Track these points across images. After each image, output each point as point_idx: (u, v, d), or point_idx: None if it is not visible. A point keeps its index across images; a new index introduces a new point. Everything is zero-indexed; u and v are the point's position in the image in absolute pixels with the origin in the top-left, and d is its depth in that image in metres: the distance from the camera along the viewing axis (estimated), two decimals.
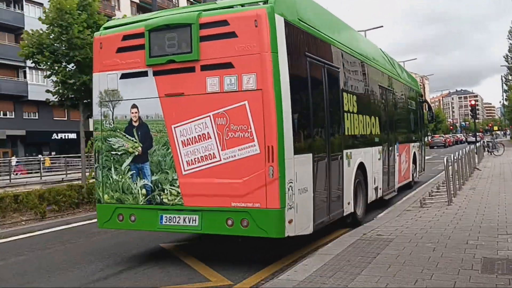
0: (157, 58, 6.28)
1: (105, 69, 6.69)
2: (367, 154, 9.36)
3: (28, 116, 42.90)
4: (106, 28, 7.01)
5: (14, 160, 35.31)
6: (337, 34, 8.32)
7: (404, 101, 13.77)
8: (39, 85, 37.86)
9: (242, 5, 6.09)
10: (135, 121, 6.51)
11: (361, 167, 8.82)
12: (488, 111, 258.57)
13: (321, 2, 8.16)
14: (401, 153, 12.49)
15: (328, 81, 7.38)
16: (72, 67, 12.95)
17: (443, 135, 76.50)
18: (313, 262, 5.68)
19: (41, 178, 27.98)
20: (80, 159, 36.00)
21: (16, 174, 31.78)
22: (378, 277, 4.97)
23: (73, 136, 41.88)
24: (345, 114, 8.13)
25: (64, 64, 12.99)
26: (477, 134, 61.59)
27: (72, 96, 13.24)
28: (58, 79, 13.06)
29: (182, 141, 6.16)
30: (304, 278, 5.03)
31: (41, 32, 12.73)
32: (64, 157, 33.09)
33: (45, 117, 41.37)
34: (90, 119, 15.29)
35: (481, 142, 33.36)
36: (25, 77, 41.50)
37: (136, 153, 6.50)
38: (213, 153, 5.98)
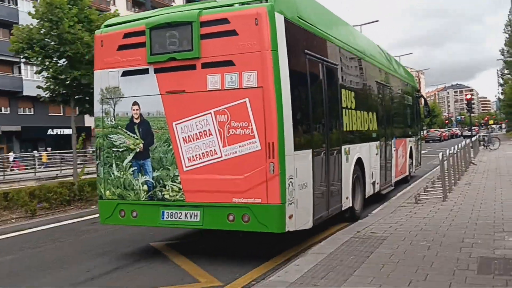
0: (158, 56, 6.35)
1: (106, 66, 6.75)
2: (365, 149, 9.49)
3: (23, 112, 42.72)
4: (107, 26, 7.05)
5: (11, 156, 35.14)
6: (335, 31, 8.40)
7: (400, 96, 13.92)
8: (34, 80, 37.53)
9: (242, 4, 6.14)
10: (137, 118, 6.59)
11: (359, 162, 8.94)
12: (483, 105, 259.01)
13: (322, 1, 8.22)
14: (398, 148, 12.63)
15: (326, 78, 7.47)
16: (64, 62, 12.72)
17: (438, 129, 76.55)
18: (305, 262, 5.58)
19: (35, 174, 27.83)
20: (78, 154, 36.14)
21: (13, 170, 31.62)
22: (371, 278, 4.86)
23: (68, 131, 41.16)
24: (343, 110, 8.23)
25: (55, 59, 12.75)
26: (473, 128, 61.65)
27: (64, 91, 13.01)
28: (49, 75, 12.84)
29: (183, 137, 6.24)
30: (295, 279, 4.95)
31: (31, 27, 12.49)
32: (59, 153, 32.92)
33: (40, 112, 41.10)
34: (83, 115, 15.14)
35: (477, 136, 33.29)
36: (20, 72, 41.20)
37: (138, 149, 6.58)
38: (214, 150, 6.07)
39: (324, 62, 7.43)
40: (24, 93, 39.53)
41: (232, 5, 6.22)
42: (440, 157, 10.46)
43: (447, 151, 11.46)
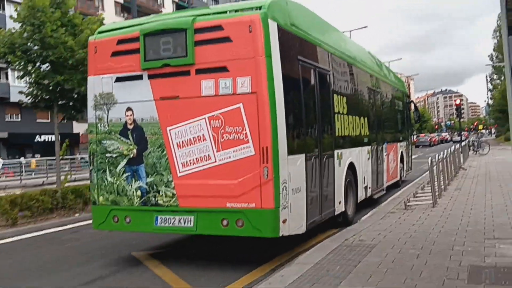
0: (152, 62, 6.40)
1: (100, 72, 6.79)
2: (357, 154, 9.56)
3: (10, 118, 42.13)
4: (100, 32, 7.10)
5: (0, 163, 34.62)
6: (327, 38, 8.52)
7: (391, 102, 14.06)
8: (21, 86, 37.10)
9: (236, 11, 6.24)
10: (130, 124, 6.60)
11: (351, 167, 9.00)
12: (472, 110, 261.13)
13: (309, 3, 8.40)
14: (389, 152, 12.76)
15: (319, 84, 7.55)
16: (47, 67, 12.42)
17: (428, 134, 76.86)
18: (290, 272, 5.41)
19: (21, 182, 27.37)
20: (63, 161, 35.64)
21: (2, 177, 31.11)
22: None
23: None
24: (336, 115, 8.31)
25: (38, 64, 12.44)
26: (462, 133, 61.95)
27: (47, 97, 12.70)
28: (31, 80, 12.53)
29: (177, 143, 6.26)
30: None
31: (13, 31, 12.19)
32: (47, 159, 32.51)
33: (28, 119, 40.50)
34: (68, 121, 14.82)
35: (467, 141, 33.36)
36: (7, 78, 40.63)
37: (131, 155, 6.59)
38: (208, 155, 6.09)
39: (316, 68, 7.50)
40: (11, 99, 38.97)
41: (226, 12, 6.32)
42: (429, 162, 10.31)
43: (437, 156, 11.35)
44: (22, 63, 12.29)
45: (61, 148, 13.30)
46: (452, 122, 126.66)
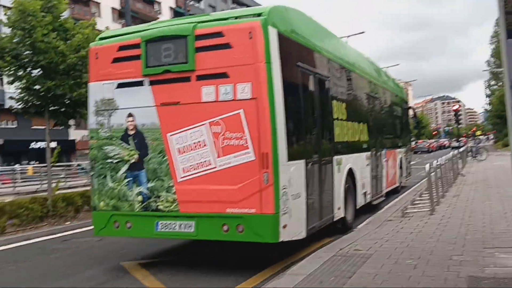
0: (153, 68, 6.44)
1: (101, 78, 6.81)
2: (356, 160, 9.57)
3: (6, 125, 41.90)
4: (101, 39, 7.13)
5: None
6: (326, 44, 8.57)
7: (390, 108, 14.10)
8: (17, 93, 36.85)
9: (236, 18, 6.29)
10: (131, 130, 6.64)
11: (350, 173, 9.02)
12: (470, 117, 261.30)
13: (306, 9, 8.27)
14: (388, 158, 12.76)
15: (318, 90, 7.61)
16: (38, 72, 12.21)
17: (427, 140, 76.76)
18: (282, 284, 5.21)
19: (14, 189, 27.05)
20: (59, 168, 35.35)
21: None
22: None
23: (53, 144, 40.94)
24: (335, 121, 8.35)
25: (29, 69, 12.22)
26: (461, 139, 61.89)
27: (37, 102, 12.48)
28: (22, 85, 12.31)
29: (178, 148, 6.29)
30: None
31: (3, 36, 11.97)
32: (42, 166, 32.24)
33: (23, 126, 40.23)
34: (59, 127, 14.58)
35: (465, 147, 33.20)
36: (2, 85, 40.39)
37: (132, 160, 6.61)
38: (209, 160, 6.12)
39: (315, 74, 7.54)
40: (6, 106, 38.75)
41: (226, 19, 6.37)
42: (427, 169, 10.10)
43: (434, 162, 11.16)
44: (12, 69, 12.05)
45: (53, 155, 13.03)
46: (451, 128, 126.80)
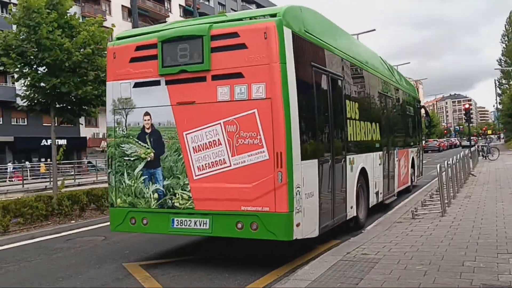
0: (170, 68, 6.55)
1: (119, 78, 6.94)
2: (369, 159, 9.60)
3: (16, 122, 42.16)
4: (119, 39, 7.23)
5: (10, 166, 34.59)
6: (339, 43, 8.57)
7: (402, 107, 14.08)
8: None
9: (251, 18, 6.39)
10: (148, 128, 6.76)
11: (363, 172, 9.06)
12: (481, 115, 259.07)
13: (316, 7, 8.26)
14: (400, 158, 12.76)
15: (332, 89, 7.65)
16: (44, 70, 12.08)
17: (437, 139, 76.11)
18: None
19: (23, 186, 27.14)
20: (68, 165, 35.40)
21: (12, 180, 31.07)
22: None
23: (63, 142, 41.18)
24: (348, 120, 8.39)
25: (34, 66, 12.10)
26: (472, 138, 61.26)
27: (43, 100, 12.35)
28: (28, 83, 12.19)
29: (193, 147, 6.41)
30: None
31: (8, 33, 11.85)
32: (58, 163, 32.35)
33: (34, 123, 40.42)
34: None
35: (476, 146, 32.74)
36: (13, 82, 40.55)
37: (149, 158, 6.74)
38: (224, 159, 6.22)
39: (329, 73, 7.58)
40: (22, 104, 38.93)
41: (241, 19, 6.47)
42: (438, 169, 9.84)
43: (446, 162, 10.90)
44: (19, 66, 11.93)
45: (58, 153, 12.91)
46: (461, 127, 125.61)
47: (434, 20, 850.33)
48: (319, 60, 7.25)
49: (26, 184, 28.26)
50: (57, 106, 12.60)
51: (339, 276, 5.33)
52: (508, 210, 9.37)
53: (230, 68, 6.18)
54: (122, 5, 52.00)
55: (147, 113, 6.75)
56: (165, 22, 52.94)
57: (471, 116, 33.58)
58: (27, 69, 12.07)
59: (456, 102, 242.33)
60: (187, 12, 60.19)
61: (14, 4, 12.08)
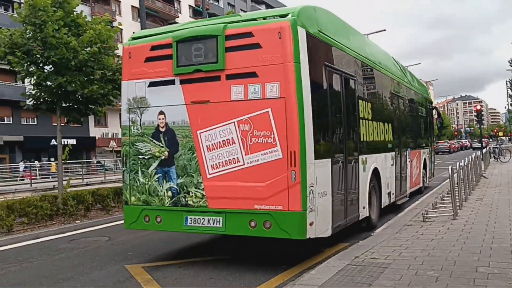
0: (184, 68, 6.59)
1: (134, 77, 7.00)
2: (381, 159, 9.59)
3: (26, 122, 42.31)
4: (134, 39, 7.31)
5: (22, 166, 34.73)
6: (352, 43, 8.55)
7: (415, 108, 14.03)
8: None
9: (265, 18, 6.44)
10: (162, 127, 6.80)
11: (375, 172, 9.05)
12: (492, 117, 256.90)
13: (327, 7, 8.07)
14: (412, 159, 12.71)
15: (345, 89, 7.65)
16: (50, 68, 11.97)
17: (447, 141, 75.46)
18: None
19: (31, 185, 27.18)
20: (77, 165, 35.43)
21: (23, 179, 31.22)
22: None
23: (72, 141, 41.30)
24: (361, 120, 8.39)
25: (41, 65, 12.00)
26: (483, 139, 60.64)
27: (49, 99, 12.25)
28: (34, 81, 12.11)
29: (207, 146, 6.44)
30: None
31: (14, 31, 11.76)
32: (64, 163, 32.47)
33: (43, 123, 40.50)
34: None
35: (487, 148, 32.30)
36: (23, 82, 40.72)
37: (163, 157, 6.78)
38: (237, 158, 6.24)
39: (342, 73, 7.57)
40: (27, 103, 39.06)
41: (255, 19, 6.50)
42: (450, 171, 9.59)
43: (457, 163, 10.64)
44: (25, 64, 11.84)
45: (64, 152, 12.80)
46: (472, 128, 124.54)
47: (445, 20, 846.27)
48: (332, 60, 7.24)
49: (34, 183, 28.29)
50: (63, 105, 12.50)
51: (347, 282, 5.12)
52: None
53: (244, 68, 6.21)
54: (132, 6, 52.05)
55: (161, 112, 6.79)
56: (175, 22, 52.80)
57: (483, 117, 33.11)
58: (33, 68, 11.97)
59: (467, 104, 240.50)
60: (196, 13, 60.21)
61: (19, 4, 11.94)
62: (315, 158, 6.15)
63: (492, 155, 30.02)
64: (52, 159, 40.07)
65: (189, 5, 61.77)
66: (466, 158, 12.81)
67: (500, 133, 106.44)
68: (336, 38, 7.51)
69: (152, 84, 6.86)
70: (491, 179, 17.05)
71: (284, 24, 6.04)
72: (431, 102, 17.90)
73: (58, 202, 11.62)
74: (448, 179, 10.13)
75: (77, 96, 12.21)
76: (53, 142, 41.50)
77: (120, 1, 51.43)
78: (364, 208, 8.26)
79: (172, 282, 6.11)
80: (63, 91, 11.97)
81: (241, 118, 6.19)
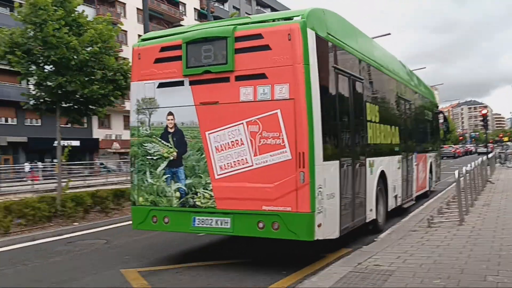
0: (194, 69, 6.61)
1: (143, 78, 7.02)
2: (388, 162, 9.57)
3: (30, 123, 42.25)
4: (144, 40, 7.34)
5: (27, 167, 34.69)
6: (360, 46, 8.55)
7: (421, 112, 14.07)
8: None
9: (274, 20, 6.51)
10: (171, 128, 6.81)
11: (382, 175, 9.01)
12: (497, 122, 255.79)
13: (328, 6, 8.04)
14: (418, 162, 12.70)
15: (353, 92, 7.66)
16: (51, 68, 11.81)
17: (452, 145, 75.04)
18: None
19: (33, 186, 27.04)
20: (81, 166, 35.30)
21: (29, 180, 31.12)
22: None
23: (76, 143, 41.22)
24: (368, 123, 8.40)
25: (41, 65, 11.84)
26: (488, 144, 60.23)
27: (49, 99, 12.09)
28: (34, 81, 11.95)
29: (215, 147, 6.43)
30: None
31: (14, 30, 11.61)
32: (68, 164, 32.47)
33: (47, 123, 40.25)
34: (72, 124, 14.17)
35: (493, 153, 32.00)
36: (27, 83, 40.69)
37: (171, 158, 6.79)
38: (246, 159, 6.24)
39: (350, 76, 7.58)
40: (31, 104, 39.01)
41: (265, 21, 6.58)
42: (456, 175, 9.35)
43: (464, 168, 10.41)
44: (25, 64, 11.67)
45: (63, 153, 12.63)
46: (477, 133, 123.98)
47: (451, 25, 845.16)
48: (340, 62, 7.25)
49: (36, 184, 28.14)
50: (64, 105, 12.33)
51: None
52: None
53: (254, 69, 6.22)
54: (137, 8, 51.93)
55: (170, 113, 6.80)
56: (180, 25, 52.69)
57: (488, 122, 32.80)
58: (34, 68, 11.81)
59: (472, 109, 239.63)
60: (201, 15, 60.15)
61: (20, 3, 11.80)
62: (324, 160, 6.15)
63: (498, 160, 29.73)
64: (56, 160, 40.02)
65: (194, 8, 61.73)
66: (472, 163, 12.58)
67: (505, 138, 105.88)
68: (344, 41, 7.50)
69: (161, 85, 6.87)
70: (497, 184, 16.80)
71: (293, 26, 6.05)
72: (437, 107, 18.01)
73: (56, 203, 11.44)
74: (454, 184, 9.91)
75: (77, 96, 12.04)
76: (56, 143, 41.50)
77: (125, 3, 51.42)
78: (371, 210, 8.25)
79: (171, 284, 5.96)
80: (63, 91, 11.80)
81: (250, 119, 6.20)
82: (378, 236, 8.17)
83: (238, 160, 6.27)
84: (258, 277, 6.15)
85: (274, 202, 6.02)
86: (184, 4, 60.27)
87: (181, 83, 6.71)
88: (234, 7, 65.73)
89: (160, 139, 6.87)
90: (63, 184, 12.54)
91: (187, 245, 8.52)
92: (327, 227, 6.25)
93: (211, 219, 6.47)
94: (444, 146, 68.22)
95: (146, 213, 6.93)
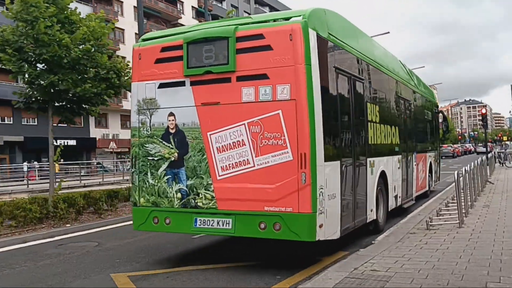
0: (195, 69, 6.57)
1: (144, 79, 6.98)
2: (388, 162, 9.53)
3: (27, 122, 41.96)
4: (144, 40, 7.29)
5: (25, 166, 34.45)
6: (361, 46, 8.51)
7: (421, 112, 14.03)
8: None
9: (275, 20, 6.46)
10: (172, 128, 6.77)
11: (383, 175, 8.98)
12: (496, 121, 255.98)
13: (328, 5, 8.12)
14: (418, 162, 12.68)
15: (353, 92, 7.64)
16: (43, 66, 11.58)
17: (451, 145, 74.87)
18: None
19: (28, 186, 26.83)
20: (77, 166, 35.06)
21: (26, 180, 30.85)
22: None
23: (72, 142, 40.99)
24: (369, 123, 8.38)
25: (33, 63, 11.61)
26: (487, 144, 60.11)
27: (41, 98, 11.86)
28: (25, 80, 11.72)
29: (217, 147, 6.41)
30: None
31: (5, 27, 11.38)
32: (67, 164, 32.28)
33: (44, 123, 39.85)
34: (64, 124, 13.96)
35: (493, 152, 31.84)
36: (24, 82, 40.41)
37: (172, 158, 6.76)
38: (247, 159, 6.22)
39: (351, 76, 7.55)
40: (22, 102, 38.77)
41: (267, 21, 6.52)
42: (455, 176, 9.15)
43: (463, 168, 10.21)
44: (16, 62, 11.43)
45: (55, 153, 12.40)
46: (476, 133, 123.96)
47: (450, 25, 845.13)
48: (342, 62, 7.22)
49: (31, 184, 27.92)
50: (56, 104, 12.10)
51: None
52: None
53: (255, 70, 6.18)
54: (135, 6, 51.62)
55: (171, 114, 6.76)
56: (177, 23, 52.25)
57: (487, 121, 32.65)
58: (25, 66, 11.58)
59: (471, 108, 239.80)
60: (199, 14, 59.92)
61: (11, 1, 11.54)
62: (325, 160, 6.12)
63: (497, 160, 29.57)
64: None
65: (192, 6, 61.47)
66: (472, 163, 12.38)
67: (505, 138, 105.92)
68: (345, 41, 7.46)
69: (162, 86, 6.82)
70: (497, 185, 16.63)
71: (295, 26, 6.01)
72: (437, 106, 17.93)
73: (48, 205, 11.22)
74: (453, 184, 9.70)
75: (69, 95, 11.81)
76: (53, 142, 41.26)
77: (122, 2, 51.14)
78: (371, 211, 8.23)
79: None
80: (55, 90, 11.57)
81: (251, 120, 6.17)
82: (376, 238, 7.97)
83: (240, 161, 6.26)
84: (252, 282, 6.02)
85: (275, 203, 6.01)
86: (181, 2, 60.00)
87: (182, 84, 6.67)
88: (232, 5, 65.40)
89: (161, 140, 6.83)
90: (56, 184, 12.32)
91: (180, 248, 8.35)
92: (328, 227, 6.24)
93: (212, 220, 6.45)
94: (443, 145, 68.30)
95: (147, 214, 6.89)
